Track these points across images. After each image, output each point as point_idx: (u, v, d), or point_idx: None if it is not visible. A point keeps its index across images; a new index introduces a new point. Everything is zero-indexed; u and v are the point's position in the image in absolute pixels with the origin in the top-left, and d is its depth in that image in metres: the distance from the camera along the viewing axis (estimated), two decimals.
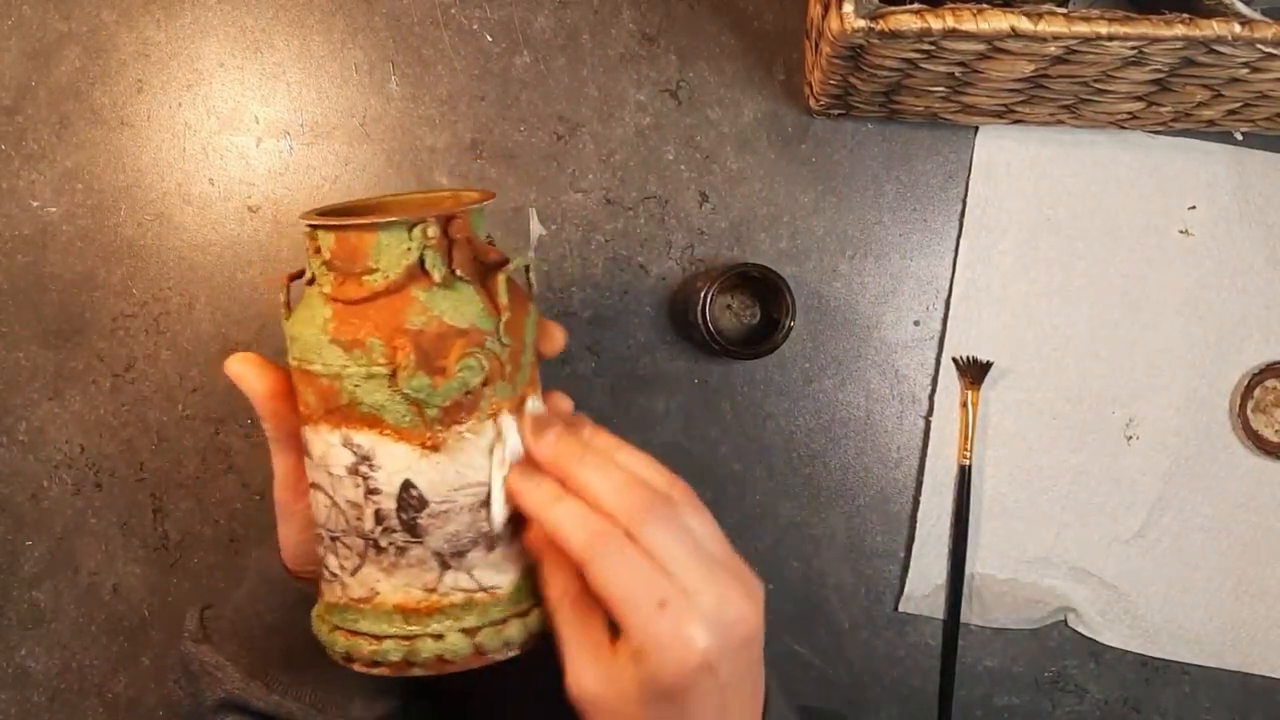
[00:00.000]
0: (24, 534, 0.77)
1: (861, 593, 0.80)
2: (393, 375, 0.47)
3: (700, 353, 0.78)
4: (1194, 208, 0.79)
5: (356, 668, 0.50)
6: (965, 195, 0.79)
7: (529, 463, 0.50)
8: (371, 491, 0.48)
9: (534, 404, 0.52)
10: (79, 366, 0.77)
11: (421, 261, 0.48)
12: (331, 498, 0.50)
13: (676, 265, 0.78)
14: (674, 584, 0.44)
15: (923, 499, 0.79)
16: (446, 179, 0.77)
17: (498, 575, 0.50)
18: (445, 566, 0.49)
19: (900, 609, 0.79)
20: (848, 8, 0.58)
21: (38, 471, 0.77)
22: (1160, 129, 0.78)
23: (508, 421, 0.50)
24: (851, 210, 0.79)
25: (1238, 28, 0.57)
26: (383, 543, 0.49)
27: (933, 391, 0.79)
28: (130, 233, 0.77)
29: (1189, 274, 0.79)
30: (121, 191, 0.77)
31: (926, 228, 0.79)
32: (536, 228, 0.78)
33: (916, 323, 0.79)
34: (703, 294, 0.71)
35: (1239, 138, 0.78)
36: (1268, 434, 0.79)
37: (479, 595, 0.49)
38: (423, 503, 0.48)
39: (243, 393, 0.54)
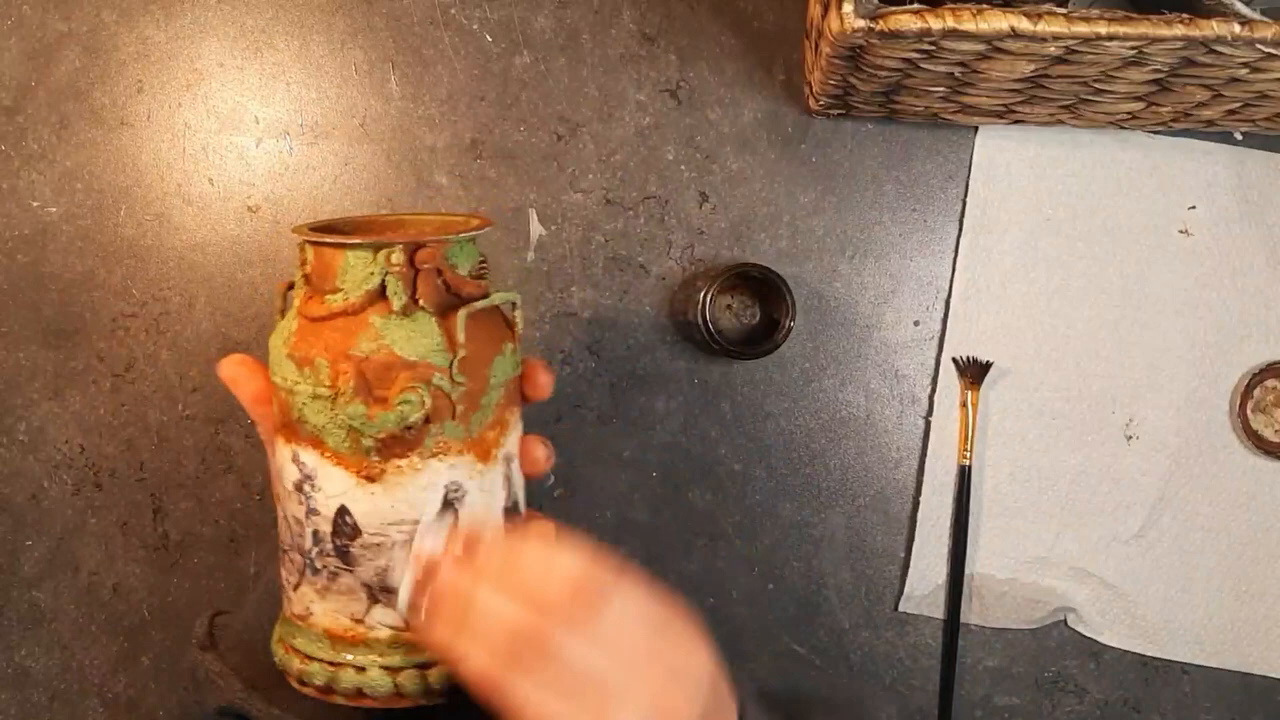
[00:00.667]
0: (24, 534, 0.77)
1: (861, 593, 0.80)
2: (334, 399, 0.46)
3: (700, 353, 0.78)
4: (1194, 208, 0.79)
5: (291, 683, 0.50)
6: (965, 195, 0.79)
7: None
8: (312, 511, 0.48)
9: (510, 448, 0.51)
10: (79, 366, 0.77)
11: (383, 287, 0.47)
12: (283, 510, 0.49)
13: (676, 265, 0.78)
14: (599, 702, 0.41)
15: (923, 499, 0.79)
16: (446, 179, 0.77)
17: None
18: (374, 600, 0.48)
19: (900, 609, 0.79)
20: (848, 8, 0.58)
21: (38, 471, 0.77)
22: (1160, 129, 0.78)
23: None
24: (851, 210, 0.79)
25: (1238, 28, 0.57)
26: (318, 564, 0.48)
27: (932, 392, 0.79)
28: (130, 233, 0.77)
29: (1189, 274, 0.79)
30: (121, 191, 0.77)
31: (926, 228, 0.79)
32: (536, 228, 0.78)
33: (916, 323, 0.79)
34: (703, 294, 0.71)
35: (1239, 138, 0.78)
36: (1268, 434, 0.79)
37: (405, 635, 0.48)
38: (356, 531, 0.47)
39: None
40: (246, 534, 0.78)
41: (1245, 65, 0.62)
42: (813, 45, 0.71)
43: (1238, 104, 0.70)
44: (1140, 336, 0.79)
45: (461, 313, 0.47)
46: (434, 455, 0.47)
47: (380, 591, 0.48)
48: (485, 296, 0.49)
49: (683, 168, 0.78)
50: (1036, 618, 0.79)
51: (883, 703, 0.80)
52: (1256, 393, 0.79)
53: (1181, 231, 0.79)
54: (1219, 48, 0.59)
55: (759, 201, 0.78)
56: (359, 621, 0.48)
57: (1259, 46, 0.58)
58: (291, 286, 0.52)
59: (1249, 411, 0.79)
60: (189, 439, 0.77)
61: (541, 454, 0.53)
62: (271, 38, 0.77)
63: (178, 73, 0.77)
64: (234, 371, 0.54)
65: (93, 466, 0.77)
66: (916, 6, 0.58)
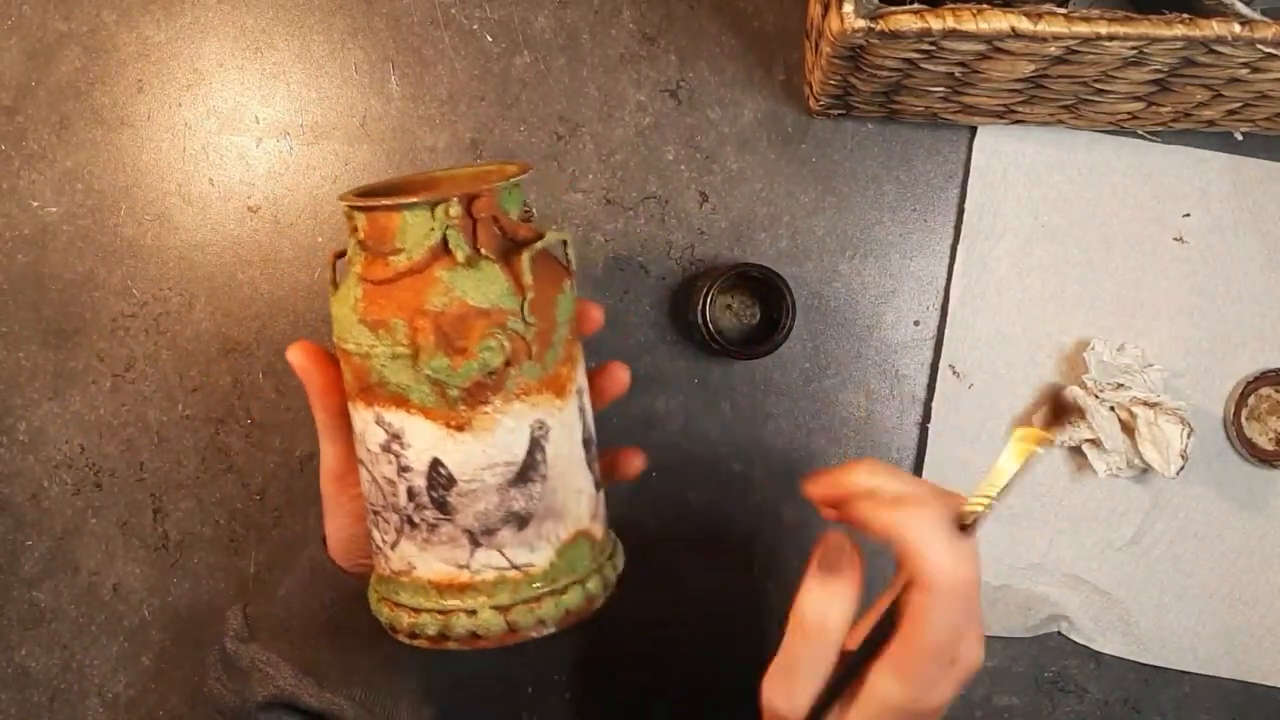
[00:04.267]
0: (24, 534, 0.77)
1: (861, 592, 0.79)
2: (415, 356, 0.47)
3: (700, 353, 0.78)
4: (1189, 215, 0.79)
5: (400, 638, 0.51)
6: (962, 200, 0.78)
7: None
8: (403, 469, 0.49)
9: (580, 382, 0.53)
10: (79, 366, 0.77)
11: (445, 241, 0.48)
12: (371, 473, 0.51)
13: (676, 265, 0.78)
14: (961, 643, 0.45)
15: None
16: None
17: (530, 554, 0.50)
18: (476, 544, 0.49)
19: None
20: (848, 8, 0.58)
21: (38, 471, 0.77)
22: (1160, 129, 0.78)
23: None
24: (851, 210, 0.79)
25: (1238, 28, 0.57)
26: (415, 519, 0.49)
27: (929, 399, 0.79)
28: (130, 233, 0.77)
29: (1183, 281, 0.79)
30: (121, 191, 0.77)
31: (926, 228, 0.79)
32: None
33: (916, 323, 0.79)
34: (703, 294, 0.71)
35: (1239, 138, 0.78)
36: (1262, 441, 0.79)
37: (511, 573, 0.50)
38: (451, 481, 0.49)
39: (300, 380, 0.55)
40: (246, 534, 0.78)
41: (1245, 65, 0.62)
42: (813, 45, 0.72)
43: (1238, 104, 0.70)
44: (1134, 343, 0.78)
45: (525, 255, 0.49)
46: (516, 397, 0.49)
47: (482, 535, 0.49)
48: (539, 238, 0.51)
49: (683, 168, 0.78)
50: (1030, 625, 0.79)
51: None
52: (1251, 400, 0.79)
53: (1176, 239, 0.79)
54: (1219, 48, 0.59)
55: (759, 201, 0.78)
56: (463, 567, 0.50)
57: (1259, 46, 0.58)
58: (341, 255, 0.53)
59: (1243, 419, 0.79)
60: (189, 439, 0.77)
61: (625, 374, 0.57)
62: (271, 38, 0.77)
63: (178, 73, 0.77)
64: (303, 361, 0.54)
65: (93, 466, 0.77)
66: (916, 6, 0.59)
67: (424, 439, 0.48)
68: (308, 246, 0.77)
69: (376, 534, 0.52)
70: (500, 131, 0.77)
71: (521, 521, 0.50)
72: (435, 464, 0.49)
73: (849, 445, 0.79)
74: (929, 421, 0.79)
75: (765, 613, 0.79)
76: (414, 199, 0.48)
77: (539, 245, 0.50)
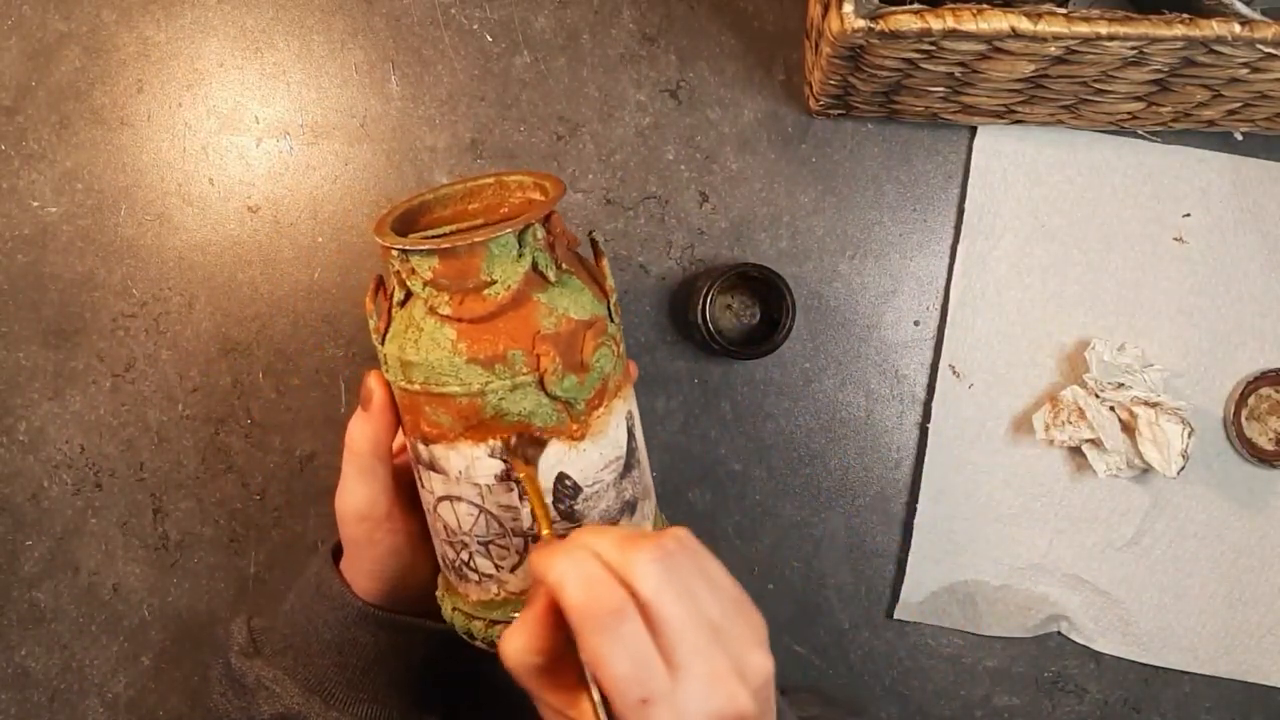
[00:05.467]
0: (24, 534, 0.77)
1: (861, 593, 0.80)
2: (541, 381, 0.47)
3: (700, 353, 0.78)
4: (1189, 215, 0.79)
5: None
6: (962, 200, 0.79)
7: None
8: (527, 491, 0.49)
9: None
10: (79, 366, 0.77)
11: (534, 264, 0.48)
12: (480, 507, 0.50)
13: (676, 265, 0.78)
14: (662, 677, 0.40)
15: (919, 506, 0.78)
16: (446, 179, 0.77)
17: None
18: None
19: (895, 616, 0.79)
20: (848, 8, 0.58)
21: (38, 471, 0.77)
22: (1160, 129, 0.78)
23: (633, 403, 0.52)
24: (851, 210, 0.79)
25: (1238, 28, 0.57)
26: (543, 535, 0.49)
27: (928, 399, 0.79)
28: (130, 233, 0.77)
29: (1183, 281, 0.79)
30: (121, 191, 0.77)
31: (926, 228, 0.79)
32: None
33: (916, 323, 0.79)
34: (703, 294, 0.71)
35: (1239, 138, 0.78)
36: (1262, 441, 0.79)
37: None
38: (577, 490, 0.49)
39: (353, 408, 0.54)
40: (246, 534, 0.78)
41: (1245, 65, 0.62)
42: (813, 45, 0.72)
43: (1238, 104, 0.70)
44: (1135, 343, 0.78)
45: (605, 262, 0.51)
46: (614, 394, 0.50)
47: None
48: (594, 242, 0.53)
49: (683, 168, 0.78)
50: (1030, 626, 0.79)
51: (883, 703, 0.80)
52: (1251, 400, 0.79)
53: (1176, 239, 0.79)
54: (1219, 48, 0.59)
55: (759, 201, 0.78)
56: None
57: (1259, 46, 0.58)
58: (377, 296, 0.52)
59: (1243, 419, 0.79)
60: (189, 439, 0.77)
61: (634, 368, 0.57)
62: (271, 38, 0.77)
63: (178, 73, 0.77)
64: (385, 396, 0.53)
65: (93, 466, 0.77)
66: (916, 6, 0.59)
67: (548, 458, 0.49)
68: (308, 246, 0.77)
69: (484, 562, 0.51)
70: (500, 131, 0.77)
71: (632, 508, 0.52)
72: (561, 478, 0.49)
73: (849, 445, 0.79)
74: (929, 421, 0.79)
75: (764, 613, 0.79)
76: (501, 230, 0.47)
77: (600, 244, 0.52)
